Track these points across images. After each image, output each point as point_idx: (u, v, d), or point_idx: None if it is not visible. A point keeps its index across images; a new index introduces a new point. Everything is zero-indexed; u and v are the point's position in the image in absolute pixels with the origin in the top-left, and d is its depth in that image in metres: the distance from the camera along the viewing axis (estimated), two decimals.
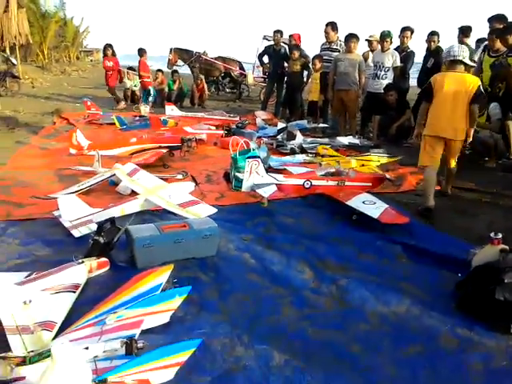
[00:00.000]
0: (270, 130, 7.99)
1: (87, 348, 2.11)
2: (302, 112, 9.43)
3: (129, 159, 5.37)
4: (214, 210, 3.81)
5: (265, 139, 7.09)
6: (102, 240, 3.11)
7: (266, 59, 11.02)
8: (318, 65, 8.47)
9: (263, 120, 8.80)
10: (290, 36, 10.21)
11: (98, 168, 5.23)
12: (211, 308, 2.67)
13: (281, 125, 7.82)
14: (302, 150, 6.49)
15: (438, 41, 7.84)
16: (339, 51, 8.43)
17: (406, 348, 2.38)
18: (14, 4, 7.52)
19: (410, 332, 2.52)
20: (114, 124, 8.30)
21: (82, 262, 2.96)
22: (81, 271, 2.91)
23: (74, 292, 2.71)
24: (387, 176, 4.83)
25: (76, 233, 3.56)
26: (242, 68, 15.12)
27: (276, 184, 4.34)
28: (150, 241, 3.12)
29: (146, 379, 1.97)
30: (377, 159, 5.72)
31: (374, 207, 3.98)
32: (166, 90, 12.30)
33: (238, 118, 9.10)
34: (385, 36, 7.80)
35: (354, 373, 2.18)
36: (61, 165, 5.75)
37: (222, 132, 7.49)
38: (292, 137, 6.84)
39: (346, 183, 4.55)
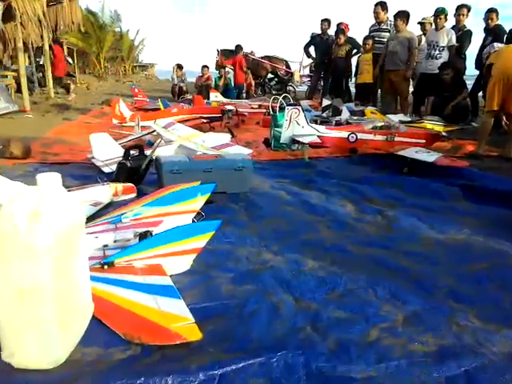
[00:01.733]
0: (314, 113, 7.68)
1: (97, 237, 1.91)
2: (349, 96, 9.04)
3: None
4: (249, 151, 3.56)
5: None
6: (128, 164, 2.94)
7: (312, 51, 10.79)
8: (370, 45, 8.10)
9: (308, 105, 8.50)
10: (339, 24, 9.93)
11: (137, 132, 5.19)
12: (240, 225, 2.40)
13: (326, 102, 7.48)
14: None
15: (497, 18, 7.25)
16: (389, 31, 8.03)
17: (468, 264, 1.97)
18: None
19: (472, 252, 2.11)
20: (159, 109, 8.36)
21: (107, 184, 2.81)
22: (105, 191, 2.75)
23: (95, 206, 2.54)
24: (443, 133, 4.37)
25: (106, 169, 3.43)
26: (288, 67, 14.96)
27: (318, 136, 4.03)
28: (179, 167, 2.91)
29: (158, 264, 1.72)
30: (431, 127, 5.25)
31: (428, 155, 3.57)
32: (212, 85, 12.36)
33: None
34: (439, 12, 7.30)
35: (402, 279, 1.81)
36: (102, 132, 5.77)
37: (264, 110, 7.27)
38: (338, 112, 6.48)
39: (396, 138, 4.15)
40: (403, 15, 7.52)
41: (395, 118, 6.82)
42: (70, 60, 14.24)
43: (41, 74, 11.94)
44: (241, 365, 1.22)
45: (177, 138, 4.07)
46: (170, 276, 1.69)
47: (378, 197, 3.01)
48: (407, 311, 1.56)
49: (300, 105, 4.03)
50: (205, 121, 5.90)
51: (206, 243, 1.79)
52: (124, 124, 6.16)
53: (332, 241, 2.22)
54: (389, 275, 1.84)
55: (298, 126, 3.94)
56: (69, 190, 2.67)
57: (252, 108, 7.56)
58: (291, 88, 15.32)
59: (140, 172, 3.02)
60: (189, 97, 9.90)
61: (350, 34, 9.78)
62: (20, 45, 7.61)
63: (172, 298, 1.48)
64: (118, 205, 2.62)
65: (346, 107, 7.52)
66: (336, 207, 2.80)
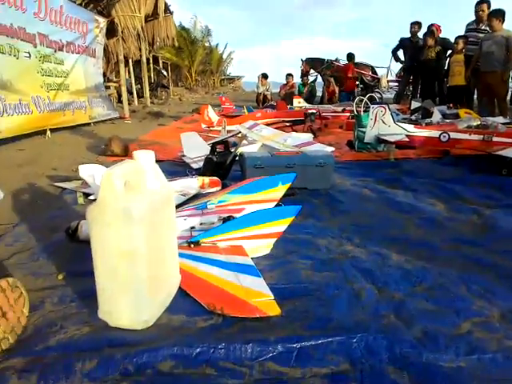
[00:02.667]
0: (403, 116, 7.35)
1: (185, 220, 2.02)
2: (443, 100, 8.52)
3: None
4: (332, 149, 3.52)
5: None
6: (214, 158, 3.07)
7: (401, 55, 10.40)
8: (461, 45, 7.59)
9: (396, 109, 8.17)
10: (430, 26, 9.45)
11: (223, 135, 5.42)
12: (320, 218, 2.38)
13: (415, 104, 7.14)
14: None
15: None
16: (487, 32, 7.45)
17: None
18: (161, 9, 8.43)
19: None
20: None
21: (195, 176, 2.96)
22: (193, 183, 2.90)
23: (184, 196, 2.69)
24: None
25: (195, 165, 3.61)
26: (374, 72, 14.57)
27: (406, 135, 3.86)
28: (261, 162, 2.97)
29: (240, 245, 1.77)
30: None
31: None
32: (296, 93, 12.45)
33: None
34: None
35: (498, 277, 1.65)
36: None
37: (348, 114, 7.15)
38: (428, 114, 6.15)
39: (495, 138, 3.82)
40: (499, 14, 6.94)
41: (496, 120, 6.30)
42: (164, 73, 15.28)
43: (139, 86, 13.00)
44: (320, 341, 1.20)
45: (260, 137, 4.16)
46: (251, 258, 1.74)
47: (474, 196, 2.79)
48: (503, 308, 1.42)
49: (387, 104, 3.88)
50: (287, 124, 5.96)
51: (285, 228, 1.80)
52: (212, 128, 6.46)
53: (419, 237, 2.10)
54: (483, 272, 1.69)
55: (383, 124, 3.81)
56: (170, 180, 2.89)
57: (335, 112, 7.46)
58: (377, 94, 14.87)
59: (225, 166, 3.14)
60: (272, 103, 10.08)
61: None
62: (121, 58, 8.37)
63: (252, 276, 1.51)
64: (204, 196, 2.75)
65: (438, 110, 7.11)
66: (424, 205, 2.64)
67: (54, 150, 4.70)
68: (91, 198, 2.73)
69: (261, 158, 2.99)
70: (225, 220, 1.95)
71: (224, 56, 35.55)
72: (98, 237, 1.22)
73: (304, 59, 14.79)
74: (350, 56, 12.54)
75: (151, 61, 16.73)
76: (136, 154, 1.34)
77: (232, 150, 3.23)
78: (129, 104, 11.70)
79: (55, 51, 6.03)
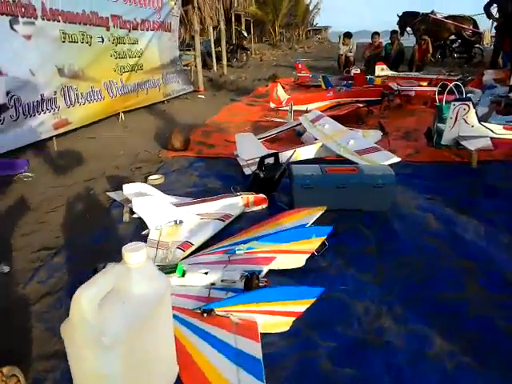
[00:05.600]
0: (501, 90, 6.33)
1: (206, 273, 1.90)
2: None
3: None
4: (397, 159, 3.11)
5: (490, 97, 5.64)
6: (261, 174, 2.87)
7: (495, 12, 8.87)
8: None
9: (493, 79, 7.07)
10: None
11: (290, 119, 5.14)
12: (363, 264, 2.10)
13: None
14: None
15: None
16: None
17: None
18: None
19: None
20: (320, 86, 8.12)
21: (239, 194, 2.80)
22: (236, 203, 2.75)
23: (223, 221, 2.56)
24: None
25: (247, 171, 3.45)
26: (476, 26, 12.76)
27: (491, 138, 3.28)
28: (310, 181, 2.71)
29: (254, 320, 1.61)
30: None
31: None
32: (383, 54, 11.38)
33: (459, 76, 7.58)
34: None
35: None
36: (258, 117, 5.90)
37: (435, 89, 6.31)
38: None
39: None
40: None
41: None
42: (245, 33, 14.91)
43: (219, 49, 12.86)
44: None
45: (322, 135, 3.83)
46: (268, 333, 1.58)
47: None
48: None
49: (471, 99, 3.30)
50: (361, 105, 5.45)
51: (305, 309, 1.59)
52: (280, 108, 6.16)
53: (479, 308, 1.75)
54: None
55: (465, 124, 3.26)
56: (203, 201, 2.78)
57: (420, 86, 6.67)
58: (478, 50, 13.11)
59: (273, 182, 2.93)
60: (354, 70, 9.33)
61: None
62: (196, 28, 8.22)
63: (255, 379, 1.35)
64: (247, 223, 2.60)
65: None
66: (500, 252, 2.21)
67: (121, 140, 4.82)
68: (135, 216, 2.73)
69: (310, 176, 2.72)
70: (247, 279, 1.79)
71: (311, 7, 33.77)
72: (73, 355, 1.15)
73: (400, 14, 13.58)
74: None
75: (233, 20, 16.38)
76: (124, 253, 1.21)
77: (282, 163, 2.99)
78: (209, 69, 11.68)
79: (129, 31, 6.06)
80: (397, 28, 13.16)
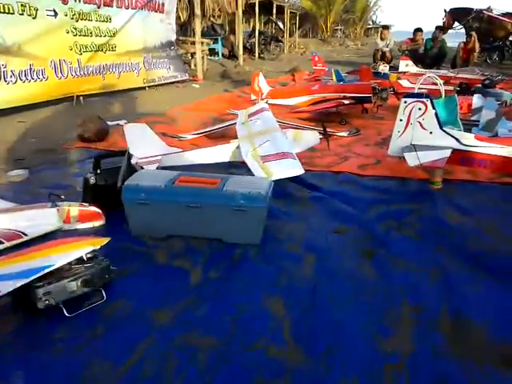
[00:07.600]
0: None
1: None
2: None
3: None
4: (300, 172, 2.15)
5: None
6: (92, 180, 2.05)
7: None
8: None
9: None
10: None
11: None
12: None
13: None
14: None
15: None
16: None
17: None
18: None
19: None
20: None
21: (58, 205, 2.00)
22: (47, 216, 1.96)
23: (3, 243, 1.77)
24: None
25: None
26: None
27: (456, 149, 2.22)
28: (147, 196, 1.85)
29: None
30: None
31: None
32: (421, 50, 9.99)
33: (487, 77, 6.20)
34: None
35: None
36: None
37: (452, 88, 5.09)
38: None
39: None
40: None
41: None
42: (281, 25, 13.99)
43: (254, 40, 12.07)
44: None
45: (246, 133, 2.93)
46: None
47: None
48: None
49: (429, 96, 2.27)
50: (346, 102, 4.42)
51: None
52: (260, 100, 5.27)
53: None
54: None
55: (420, 130, 2.23)
56: (6, 210, 2.02)
57: (433, 84, 5.45)
58: None
59: (117, 192, 2.08)
60: (383, 67, 8.17)
61: None
62: (198, 12, 7.46)
63: None
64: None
65: None
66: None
67: (43, 125, 4.18)
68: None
69: (149, 188, 1.86)
70: None
71: (371, 4, 32.10)
72: None
73: (447, 9, 12.10)
74: None
75: (274, 10, 15.44)
76: None
77: (135, 165, 2.15)
78: (236, 58, 10.87)
79: (98, 7, 5.43)
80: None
